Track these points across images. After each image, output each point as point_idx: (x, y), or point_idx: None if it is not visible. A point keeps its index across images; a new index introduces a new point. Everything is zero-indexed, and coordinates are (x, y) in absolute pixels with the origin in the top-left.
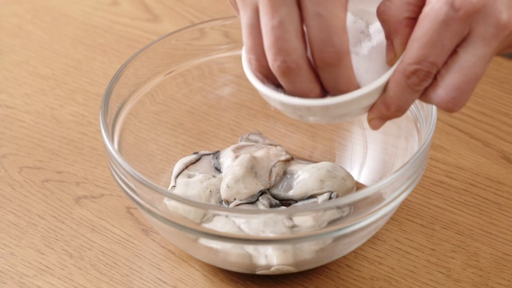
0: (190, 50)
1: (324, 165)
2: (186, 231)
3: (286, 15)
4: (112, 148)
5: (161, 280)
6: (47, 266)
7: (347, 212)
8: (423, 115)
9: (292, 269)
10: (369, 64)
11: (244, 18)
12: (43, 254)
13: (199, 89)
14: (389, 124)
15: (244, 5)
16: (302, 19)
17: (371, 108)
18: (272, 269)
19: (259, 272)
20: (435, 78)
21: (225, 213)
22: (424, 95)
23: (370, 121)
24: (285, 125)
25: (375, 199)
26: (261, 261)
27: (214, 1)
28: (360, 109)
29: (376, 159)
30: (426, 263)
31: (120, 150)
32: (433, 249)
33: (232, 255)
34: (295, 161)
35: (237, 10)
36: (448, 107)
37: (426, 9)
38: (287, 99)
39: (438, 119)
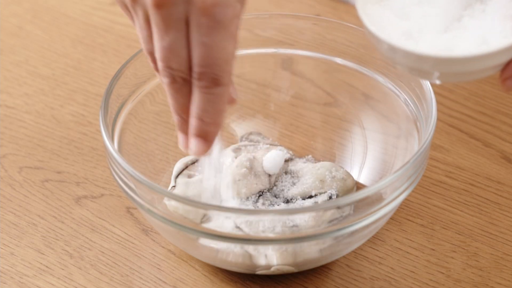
0: None
1: (324, 165)
2: (186, 231)
3: (175, 39)
4: (112, 148)
5: (161, 280)
6: (47, 266)
7: (347, 212)
8: (423, 115)
9: (292, 269)
10: (491, 25)
11: (137, 26)
12: (43, 254)
13: None
14: (389, 124)
15: (136, 14)
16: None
17: (507, 66)
18: (272, 269)
19: (259, 272)
20: None
21: (225, 213)
22: None
23: (504, 80)
24: (285, 125)
25: (375, 199)
26: (261, 261)
27: None
28: (489, 67)
29: (376, 159)
30: (426, 263)
31: (120, 150)
32: (433, 249)
33: (232, 255)
34: (295, 161)
35: (128, 15)
36: None
37: None
38: (418, 49)
39: (438, 119)
